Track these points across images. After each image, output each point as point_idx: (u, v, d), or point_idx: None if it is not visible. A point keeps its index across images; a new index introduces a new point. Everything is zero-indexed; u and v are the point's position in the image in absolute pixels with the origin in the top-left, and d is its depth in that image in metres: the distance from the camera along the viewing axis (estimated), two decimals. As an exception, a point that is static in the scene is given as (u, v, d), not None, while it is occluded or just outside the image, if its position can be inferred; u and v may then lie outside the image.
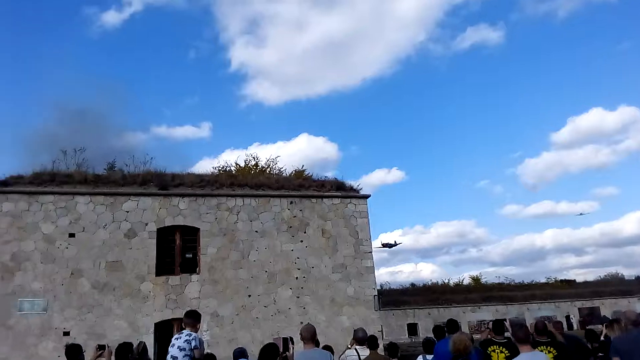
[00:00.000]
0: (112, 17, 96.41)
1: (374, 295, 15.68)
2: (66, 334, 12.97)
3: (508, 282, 49.82)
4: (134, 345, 6.70)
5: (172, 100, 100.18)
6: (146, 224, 14.40)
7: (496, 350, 6.14)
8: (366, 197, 17.05)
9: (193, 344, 5.44)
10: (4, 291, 13.03)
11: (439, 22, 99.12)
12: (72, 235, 13.75)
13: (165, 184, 15.14)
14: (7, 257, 13.27)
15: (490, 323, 7.14)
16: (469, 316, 38.88)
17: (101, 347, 8.09)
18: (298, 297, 14.99)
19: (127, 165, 16.23)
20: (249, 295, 14.64)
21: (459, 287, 48.34)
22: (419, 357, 7.42)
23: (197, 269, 14.65)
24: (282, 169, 22.42)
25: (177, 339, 5.55)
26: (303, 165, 21.36)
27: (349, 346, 7.22)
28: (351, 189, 17.42)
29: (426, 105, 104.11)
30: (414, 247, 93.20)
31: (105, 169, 16.46)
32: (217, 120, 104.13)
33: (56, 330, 13.01)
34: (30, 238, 13.51)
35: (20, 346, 12.74)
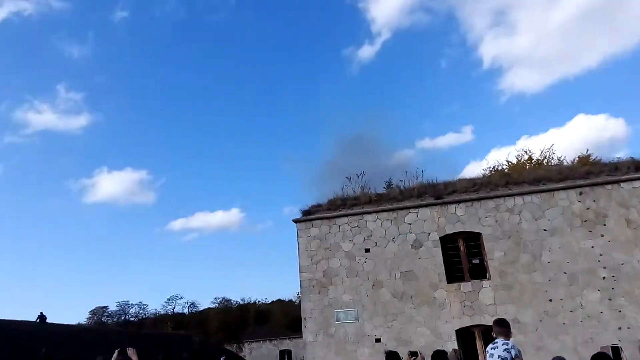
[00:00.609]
0: (367, 52, 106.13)
1: None
2: (377, 340, 14.39)
3: None
4: (447, 353, 6.97)
5: (431, 112, 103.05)
6: (429, 234, 14.97)
7: None
8: (682, 173, 13.91)
9: (513, 352, 5.33)
10: (322, 304, 15.31)
11: None
12: (367, 250, 15.34)
13: (439, 193, 15.51)
14: (320, 274, 15.61)
15: None
16: None
17: (413, 354, 8.68)
18: (610, 300, 13.10)
19: (401, 181, 17.30)
20: (550, 300, 13.53)
21: None
22: None
23: (487, 274, 14.38)
24: (561, 158, 20.32)
25: (493, 348, 5.53)
26: (587, 150, 18.86)
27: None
28: (657, 166, 14.48)
29: None
30: None
31: (384, 187, 17.98)
32: (478, 121, 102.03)
33: (368, 337, 14.55)
34: (335, 256, 15.62)
35: (341, 352, 14.70)
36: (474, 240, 14.86)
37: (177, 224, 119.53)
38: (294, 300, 62.95)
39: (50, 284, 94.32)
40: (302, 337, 15.72)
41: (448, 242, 14.98)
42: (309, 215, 16.59)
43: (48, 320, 30.38)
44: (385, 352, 7.40)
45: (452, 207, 15.15)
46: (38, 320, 29.83)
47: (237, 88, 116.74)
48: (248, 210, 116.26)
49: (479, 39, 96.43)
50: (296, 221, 16.48)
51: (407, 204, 15.68)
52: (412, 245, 15.00)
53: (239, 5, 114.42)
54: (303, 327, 15.39)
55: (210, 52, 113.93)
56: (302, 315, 15.50)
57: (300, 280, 15.73)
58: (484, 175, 18.04)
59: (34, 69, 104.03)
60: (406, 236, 15.16)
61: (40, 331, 27.33)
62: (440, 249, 14.77)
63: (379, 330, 14.49)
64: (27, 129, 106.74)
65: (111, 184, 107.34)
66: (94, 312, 66.04)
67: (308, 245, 15.97)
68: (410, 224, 15.28)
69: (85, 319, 64.09)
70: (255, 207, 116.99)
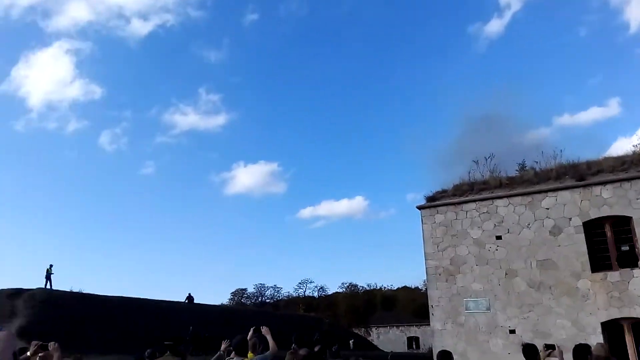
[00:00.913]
0: (494, 26, 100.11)
1: None
2: (512, 331, 13.62)
3: None
4: (591, 347, 6.37)
5: (571, 85, 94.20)
6: (570, 219, 13.70)
7: None
8: None
9: None
10: (451, 292, 14.87)
11: None
12: (498, 237, 14.50)
13: (581, 174, 14.09)
14: (447, 262, 15.15)
15: None
16: None
17: (549, 347, 8.08)
18: None
19: (536, 162, 15.92)
20: None
21: None
22: None
23: (639, 262, 12.79)
24: None
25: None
26: None
27: None
28: None
29: None
30: None
31: (516, 170, 16.78)
32: (626, 92, 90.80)
33: (502, 328, 13.83)
34: (462, 243, 15.04)
35: (473, 342, 14.17)
36: (623, 225, 13.28)
37: (306, 212, 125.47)
38: (419, 287, 62.22)
39: (198, 268, 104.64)
40: (429, 324, 15.49)
41: (592, 228, 13.58)
42: (433, 202, 16.17)
43: (195, 301, 33.78)
44: (522, 345, 6.97)
45: (597, 189, 13.66)
46: (186, 301, 33.28)
47: (360, 76, 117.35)
48: (372, 198, 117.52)
49: (624, 1, 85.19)
50: (420, 207, 16.17)
51: (543, 187, 14.49)
52: (550, 232, 13.86)
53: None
54: (430, 314, 15.14)
55: (333, 43, 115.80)
56: (429, 303, 15.24)
57: (426, 268, 15.45)
58: (634, 152, 15.92)
59: (178, 75, 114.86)
60: (543, 222, 14.04)
61: (188, 310, 30.53)
62: (583, 235, 13.45)
63: (514, 321, 13.70)
64: (175, 129, 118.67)
65: (247, 177, 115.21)
66: (234, 294, 72.02)
67: (433, 232, 15.58)
68: (548, 208, 14.10)
69: (227, 300, 70.20)
70: (378, 195, 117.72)
